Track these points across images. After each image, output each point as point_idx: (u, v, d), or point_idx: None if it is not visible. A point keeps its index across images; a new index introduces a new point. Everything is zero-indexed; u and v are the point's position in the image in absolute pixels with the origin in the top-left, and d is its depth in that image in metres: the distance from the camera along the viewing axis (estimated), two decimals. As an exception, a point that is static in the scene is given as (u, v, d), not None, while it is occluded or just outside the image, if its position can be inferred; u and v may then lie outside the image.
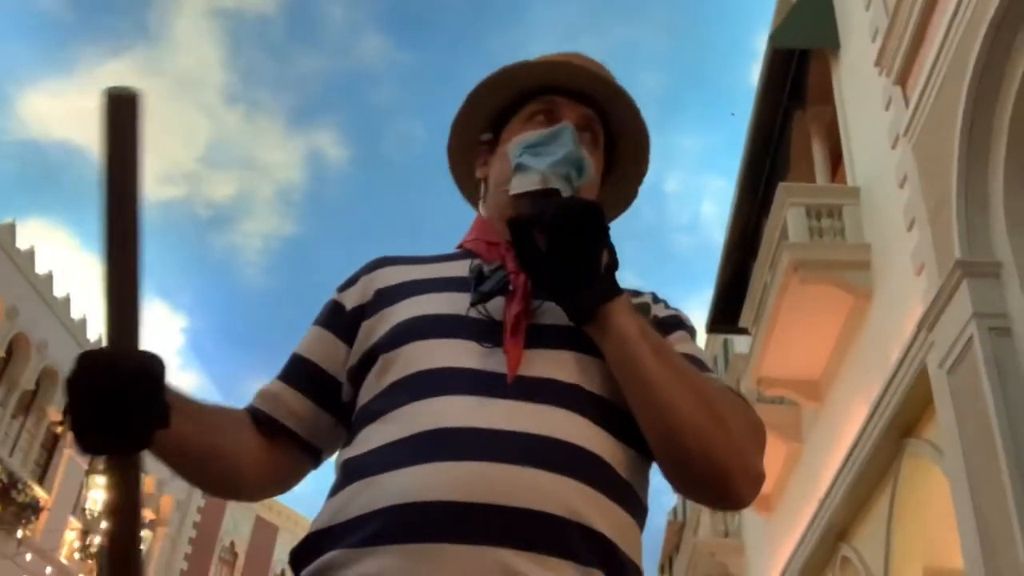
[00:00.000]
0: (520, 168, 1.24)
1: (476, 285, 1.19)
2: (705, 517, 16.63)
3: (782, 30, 10.97)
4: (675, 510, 24.51)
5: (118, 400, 0.89)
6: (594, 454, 1.08)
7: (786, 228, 9.54)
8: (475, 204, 1.44)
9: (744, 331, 12.43)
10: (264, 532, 26.72)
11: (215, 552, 27.53)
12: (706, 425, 1.08)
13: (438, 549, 0.98)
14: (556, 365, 1.13)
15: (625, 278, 1.18)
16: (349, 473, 1.10)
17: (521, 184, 1.22)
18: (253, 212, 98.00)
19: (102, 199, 0.88)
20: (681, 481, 1.12)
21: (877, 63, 8.49)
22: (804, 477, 10.93)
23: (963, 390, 6.51)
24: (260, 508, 25.97)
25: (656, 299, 1.34)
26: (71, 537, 19.30)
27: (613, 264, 1.15)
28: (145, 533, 20.44)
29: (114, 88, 0.87)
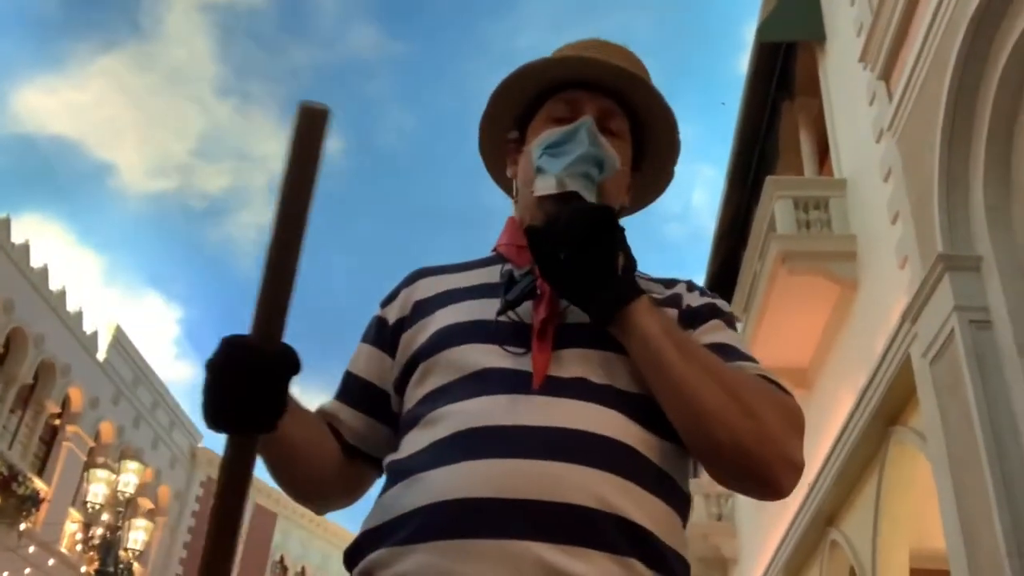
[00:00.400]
0: (539, 171, 1.27)
1: (505, 292, 1.22)
2: (699, 501, 16.80)
3: (769, 23, 11.01)
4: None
5: (260, 380, 0.95)
6: (627, 445, 1.10)
7: (774, 220, 9.64)
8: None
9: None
10: (262, 519, 26.83)
11: (214, 540, 27.54)
12: (734, 416, 1.08)
13: (472, 545, 1.02)
14: (586, 364, 1.16)
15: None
16: (393, 475, 1.15)
17: (542, 187, 1.25)
18: (247, 203, 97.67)
19: (279, 202, 0.93)
20: (718, 473, 1.13)
21: (862, 58, 8.59)
22: (794, 463, 11.05)
23: (945, 380, 6.65)
24: (257, 495, 26.06)
25: (691, 287, 1.34)
26: (72, 529, 19.40)
27: (629, 266, 1.17)
28: (144, 523, 20.57)
29: (307, 102, 0.92)
